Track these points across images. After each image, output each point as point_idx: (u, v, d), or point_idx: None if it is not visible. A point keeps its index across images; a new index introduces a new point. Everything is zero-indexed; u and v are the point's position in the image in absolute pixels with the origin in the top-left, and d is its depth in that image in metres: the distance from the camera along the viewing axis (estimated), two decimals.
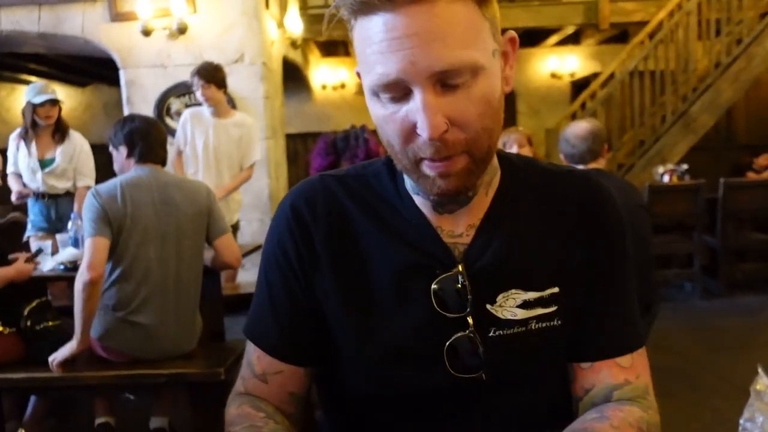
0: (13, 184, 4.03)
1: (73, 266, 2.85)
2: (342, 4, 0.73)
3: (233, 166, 4.06)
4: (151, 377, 2.39)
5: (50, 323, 2.54)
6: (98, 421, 2.72)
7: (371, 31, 0.71)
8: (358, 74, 0.81)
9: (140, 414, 2.91)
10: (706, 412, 2.96)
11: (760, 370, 0.60)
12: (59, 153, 3.97)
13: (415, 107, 0.71)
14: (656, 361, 3.46)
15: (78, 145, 4.04)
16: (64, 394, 2.97)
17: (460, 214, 0.84)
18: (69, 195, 4.07)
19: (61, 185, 4.02)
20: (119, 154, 2.52)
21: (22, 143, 4.00)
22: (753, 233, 5.29)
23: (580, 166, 2.66)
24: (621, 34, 7.69)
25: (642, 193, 4.47)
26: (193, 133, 3.98)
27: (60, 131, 3.97)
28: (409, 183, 0.85)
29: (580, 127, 2.70)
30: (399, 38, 0.69)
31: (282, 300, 0.87)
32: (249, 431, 0.79)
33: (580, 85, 8.18)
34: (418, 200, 0.85)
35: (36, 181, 3.99)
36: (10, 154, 4.06)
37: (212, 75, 3.78)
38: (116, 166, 2.57)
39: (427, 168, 0.74)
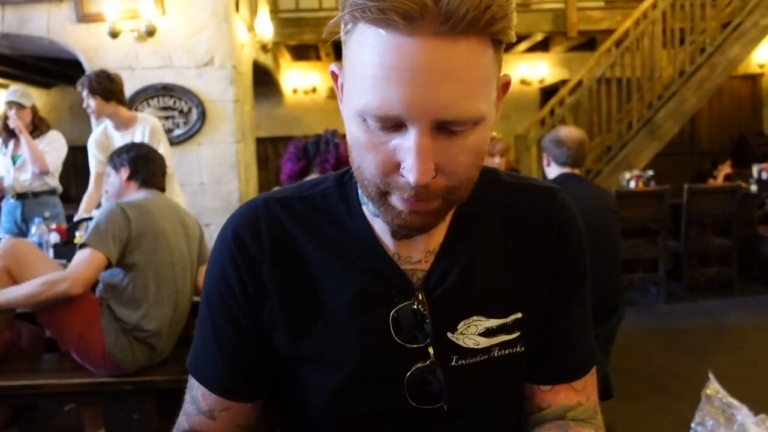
0: None
1: None
2: (352, 3, 0.62)
3: None
4: (115, 385, 2.35)
5: None
6: None
7: (377, 49, 0.61)
8: (335, 75, 0.74)
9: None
10: (668, 414, 3.02)
11: (710, 375, 0.62)
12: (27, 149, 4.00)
13: (407, 146, 0.63)
14: (621, 363, 3.50)
15: (50, 141, 4.06)
16: (26, 402, 2.90)
17: (419, 240, 0.79)
18: (36, 196, 4.05)
19: (29, 181, 4.02)
20: (117, 176, 2.48)
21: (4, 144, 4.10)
22: (714, 238, 5.42)
23: (566, 170, 2.70)
24: (589, 42, 7.82)
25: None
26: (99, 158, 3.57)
27: (36, 131, 4.02)
28: (371, 205, 0.79)
29: (577, 131, 2.76)
30: (411, 71, 0.60)
31: (227, 335, 0.81)
32: None
33: (549, 92, 8.30)
34: (376, 224, 0.80)
35: (9, 178, 4.03)
36: None
37: (92, 86, 3.38)
38: (110, 188, 2.53)
39: (397, 202, 0.68)
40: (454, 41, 0.60)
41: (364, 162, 0.68)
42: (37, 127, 4.03)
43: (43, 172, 3.98)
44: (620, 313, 2.60)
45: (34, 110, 4.02)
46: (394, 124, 0.64)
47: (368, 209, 0.80)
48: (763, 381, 3.33)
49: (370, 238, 0.79)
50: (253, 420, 0.86)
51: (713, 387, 0.56)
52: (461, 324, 0.78)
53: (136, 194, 2.46)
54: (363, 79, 0.63)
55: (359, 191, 0.81)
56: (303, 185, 0.86)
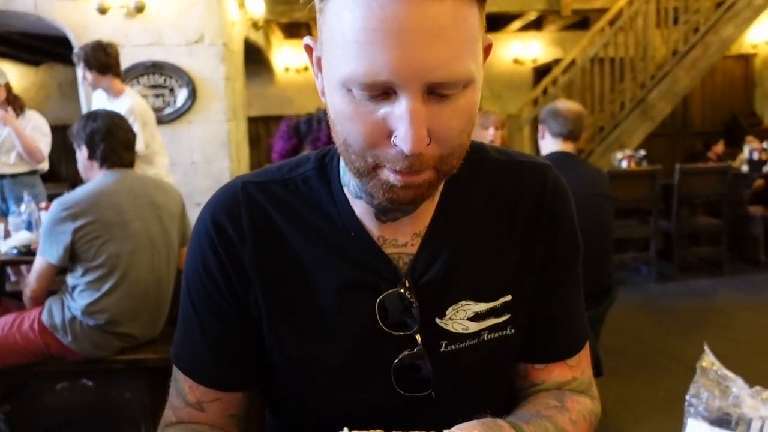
0: None
1: (27, 250, 2.78)
2: None
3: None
4: (106, 363, 2.35)
5: None
6: None
7: (359, 12, 0.58)
8: (309, 48, 0.70)
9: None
10: (658, 391, 3.05)
11: (706, 347, 0.62)
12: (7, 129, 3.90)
13: (398, 113, 0.60)
14: (612, 342, 3.51)
15: (30, 122, 3.96)
16: (18, 381, 2.90)
17: (404, 222, 0.76)
18: (14, 176, 3.99)
19: (10, 162, 3.96)
20: (81, 154, 2.37)
21: None
22: (705, 218, 5.45)
23: (560, 142, 2.66)
24: (582, 21, 7.79)
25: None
26: None
27: (13, 110, 3.90)
28: (352, 185, 0.76)
29: (575, 105, 2.76)
30: (398, 31, 0.56)
31: (212, 324, 0.79)
32: None
33: (542, 71, 8.27)
34: (358, 206, 0.76)
35: None
36: None
37: (89, 61, 3.37)
38: (79, 166, 2.43)
39: (389, 175, 0.65)
40: None
41: (351, 135, 0.64)
42: (12, 106, 3.89)
43: (38, 162, 3.94)
44: (612, 296, 2.60)
45: (8, 87, 3.87)
46: (382, 92, 0.60)
47: (350, 190, 0.77)
48: (752, 359, 3.36)
49: (353, 224, 0.76)
50: (245, 408, 0.84)
51: (708, 359, 0.56)
52: (450, 309, 0.76)
53: (97, 178, 2.34)
54: (345, 46, 0.59)
55: (341, 172, 0.78)
56: (283, 167, 0.82)
